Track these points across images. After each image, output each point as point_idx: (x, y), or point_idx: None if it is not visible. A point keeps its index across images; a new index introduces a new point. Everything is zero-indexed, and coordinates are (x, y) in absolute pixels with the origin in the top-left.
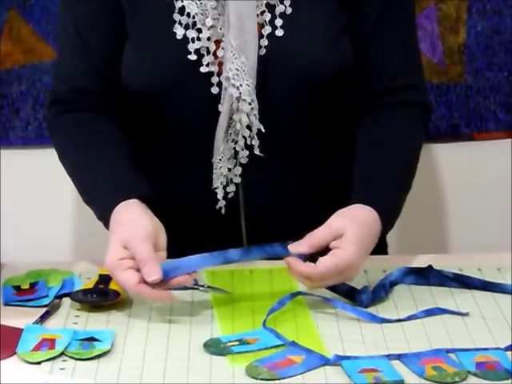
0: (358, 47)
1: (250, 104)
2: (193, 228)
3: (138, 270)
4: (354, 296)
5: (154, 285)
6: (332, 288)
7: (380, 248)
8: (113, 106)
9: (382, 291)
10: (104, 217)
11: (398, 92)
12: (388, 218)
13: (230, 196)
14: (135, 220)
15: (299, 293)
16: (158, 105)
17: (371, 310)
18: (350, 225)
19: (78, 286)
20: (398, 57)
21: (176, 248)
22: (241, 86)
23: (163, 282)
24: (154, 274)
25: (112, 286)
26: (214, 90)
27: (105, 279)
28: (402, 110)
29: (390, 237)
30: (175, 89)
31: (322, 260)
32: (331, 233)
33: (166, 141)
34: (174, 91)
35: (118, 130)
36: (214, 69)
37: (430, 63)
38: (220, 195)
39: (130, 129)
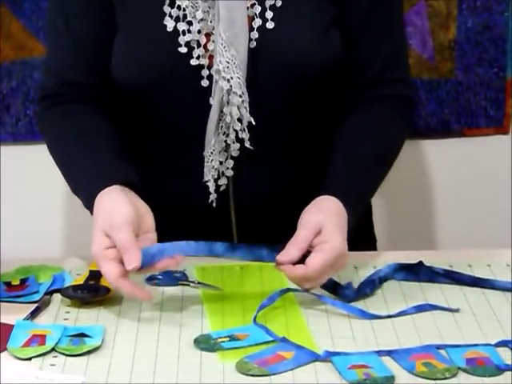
0: (347, 40)
1: (240, 97)
2: (183, 221)
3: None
4: (338, 290)
5: (139, 269)
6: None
7: (369, 243)
8: (102, 99)
9: (367, 287)
10: (89, 205)
11: (385, 85)
12: (351, 208)
13: (221, 189)
14: (114, 206)
15: (289, 289)
16: (147, 98)
17: (361, 306)
18: (326, 217)
19: (69, 282)
20: (387, 50)
21: (166, 241)
22: (231, 78)
23: (149, 267)
24: (133, 262)
25: (102, 281)
26: (205, 82)
27: (95, 275)
28: (387, 103)
29: (380, 232)
30: (165, 81)
31: (311, 258)
32: (312, 230)
33: (157, 134)
34: (163, 84)
35: (106, 122)
36: (205, 62)
37: (420, 59)
38: (211, 188)
39: (121, 122)
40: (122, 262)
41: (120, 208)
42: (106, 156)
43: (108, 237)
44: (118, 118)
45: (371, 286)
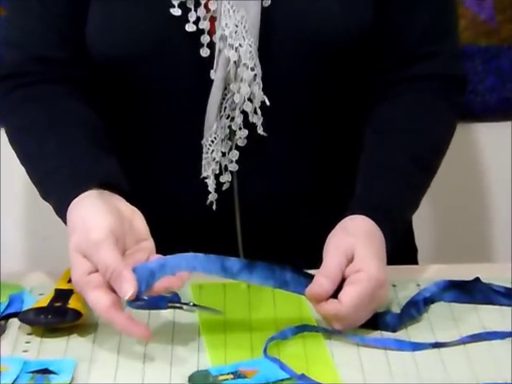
0: (379, 5)
1: (252, 70)
2: (176, 228)
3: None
4: (376, 319)
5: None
6: None
7: (408, 254)
8: (77, 79)
9: (412, 310)
10: (62, 215)
11: (424, 61)
12: (388, 226)
13: (224, 188)
14: (86, 220)
15: (307, 326)
16: (132, 75)
17: (402, 333)
18: (356, 240)
19: (29, 304)
20: (428, 14)
21: (157, 251)
22: (240, 46)
23: (148, 289)
24: (127, 288)
25: (72, 303)
26: (204, 52)
27: (62, 295)
28: (427, 85)
29: (421, 241)
30: (154, 53)
31: (344, 293)
32: (343, 257)
33: (144, 120)
34: (152, 56)
35: (82, 106)
36: (205, 26)
37: (475, 21)
38: (211, 187)
39: (100, 107)
40: (111, 287)
41: (95, 220)
42: (81, 151)
43: (87, 259)
44: (96, 102)
45: (415, 309)
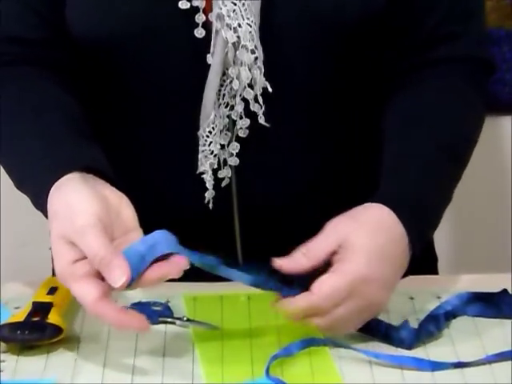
0: None
1: (252, 52)
2: (171, 227)
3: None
4: (390, 334)
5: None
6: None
7: (427, 262)
8: (58, 61)
9: (431, 325)
10: (40, 203)
11: (446, 43)
12: (417, 224)
13: (223, 184)
14: (71, 205)
15: (313, 341)
16: (118, 58)
17: (420, 351)
18: (359, 229)
19: (4, 319)
20: None
21: None
22: (239, 26)
23: (140, 278)
24: (120, 275)
25: (51, 317)
26: (199, 33)
27: (41, 308)
28: (451, 69)
29: (441, 249)
30: (142, 34)
31: (317, 281)
32: (335, 241)
33: (132, 110)
34: (139, 37)
35: (62, 89)
36: (200, 3)
37: (500, 2)
38: (209, 183)
39: (84, 94)
40: (99, 277)
41: (80, 205)
42: (61, 135)
43: (73, 245)
44: (78, 89)
45: (435, 324)
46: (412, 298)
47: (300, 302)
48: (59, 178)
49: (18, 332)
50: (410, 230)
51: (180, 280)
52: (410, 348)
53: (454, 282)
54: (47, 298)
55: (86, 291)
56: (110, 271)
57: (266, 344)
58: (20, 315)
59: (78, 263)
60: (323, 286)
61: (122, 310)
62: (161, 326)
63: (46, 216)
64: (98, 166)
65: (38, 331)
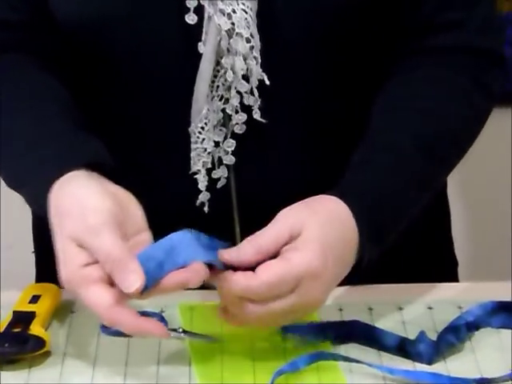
0: None
1: (248, 41)
2: (162, 234)
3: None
4: (406, 347)
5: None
6: (372, 342)
7: (446, 267)
8: (40, 46)
9: (452, 337)
10: (40, 204)
11: (444, 31)
12: (372, 224)
13: (219, 185)
14: (83, 201)
15: (322, 355)
16: (103, 44)
17: (438, 365)
18: (313, 217)
19: None
20: None
21: None
22: (234, 12)
23: (156, 286)
24: (134, 280)
25: (34, 328)
26: (191, 19)
27: (22, 319)
28: (447, 60)
29: (462, 253)
30: (129, 19)
31: (263, 266)
32: (286, 230)
33: (119, 104)
34: (126, 23)
35: (51, 76)
36: None
37: None
38: (202, 184)
39: (67, 84)
40: (112, 283)
41: (92, 202)
42: (60, 127)
43: (83, 248)
44: (61, 77)
45: (455, 336)
46: (430, 308)
47: (239, 282)
48: (63, 175)
49: None
50: (362, 230)
51: None
52: (428, 363)
53: (477, 290)
54: (29, 307)
55: (99, 296)
56: (125, 275)
57: (270, 358)
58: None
59: (89, 267)
60: (268, 272)
61: (139, 315)
62: (154, 339)
63: (45, 215)
64: (103, 160)
65: (19, 344)
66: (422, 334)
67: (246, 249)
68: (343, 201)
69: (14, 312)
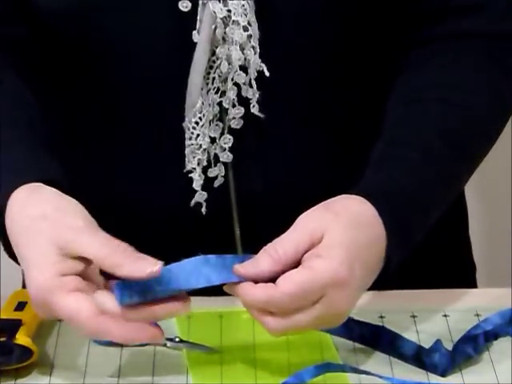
0: None
1: (245, 30)
2: (157, 239)
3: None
4: (421, 357)
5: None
6: (391, 349)
7: (464, 272)
8: (16, 41)
9: (469, 347)
10: None
11: (463, 15)
12: (400, 227)
13: (216, 184)
14: (61, 205)
15: (329, 367)
16: (89, 34)
17: (454, 377)
18: (334, 220)
19: None
20: None
21: None
22: None
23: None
24: (151, 263)
25: (20, 338)
26: (184, 6)
27: (8, 327)
28: (469, 46)
29: (480, 258)
30: (117, 6)
31: (285, 276)
32: (307, 236)
33: (107, 99)
34: (114, 10)
35: (16, 80)
36: None
37: None
38: (197, 183)
39: (45, 81)
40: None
41: (71, 205)
42: (16, 142)
43: (64, 257)
44: (38, 75)
45: (472, 346)
46: (446, 316)
47: (259, 293)
48: (15, 188)
49: None
50: (390, 232)
51: None
52: (443, 374)
53: (496, 297)
54: (15, 315)
55: (80, 304)
56: (138, 261)
57: (274, 370)
58: None
59: (68, 277)
60: (290, 282)
61: (125, 322)
62: (149, 348)
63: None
64: (56, 178)
65: (3, 354)
66: (437, 343)
67: (264, 260)
68: (368, 201)
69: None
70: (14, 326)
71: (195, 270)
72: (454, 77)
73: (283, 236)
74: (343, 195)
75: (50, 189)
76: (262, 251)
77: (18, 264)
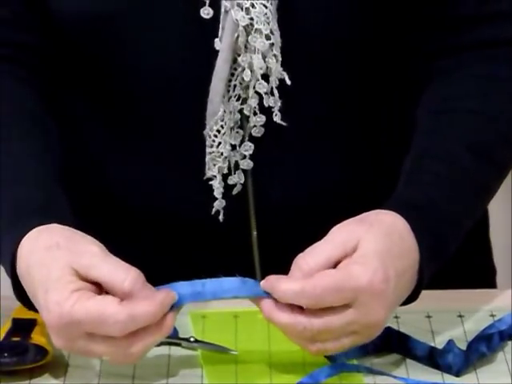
0: None
1: (267, 38)
2: (175, 245)
3: None
4: (435, 357)
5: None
6: (403, 351)
7: (483, 275)
8: (30, 48)
9: (483, 346)
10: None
11: (489, 23)
12: (431, 239)
13: (234, 192)
14: (74, 236)
15: (344, 367)
16: (108, 42)
17: (468, 377)
18: (368, 231)
19: None
20: None
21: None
22: (253, 6)
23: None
24: (169, 294)
25: (35, 337)
26: (206, 13)
27: (22, 327)
28: (497, 55)
29: (500, 259)
30: (137, 12)
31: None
32: (340, 246)
33: (125, 105)
34: (134, 17)
35: (34, 99)
36: None
37: None
38: (217, 191)
39: (64, 94)
40: None
41: (83, 236)
42: (28, 180)
43: (79, 278)
44: (57, 88)
45: (487, 345)
46: (461, 316)
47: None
48: (31, 230)
49: None
50: (423, 246)
51: None
52: (457, 374)
53: (511, 297)
54: (30, 314)
55: (104, 301)
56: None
57: (289, 370)
58: None
59: (84, 290)
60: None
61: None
62: (164, 348)
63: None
64: (64, 218)
65: (18, 353)
66: (450, 343)
67: (294, 276)
68: (400, 214)
69: (14, 319)
70: (28, 325)
71: (231, 289)
72: (483, 87)
73: (314, 247)
74: (376, 210)
75: (57, 225)
76: (293, 265)
77: (29, 308)
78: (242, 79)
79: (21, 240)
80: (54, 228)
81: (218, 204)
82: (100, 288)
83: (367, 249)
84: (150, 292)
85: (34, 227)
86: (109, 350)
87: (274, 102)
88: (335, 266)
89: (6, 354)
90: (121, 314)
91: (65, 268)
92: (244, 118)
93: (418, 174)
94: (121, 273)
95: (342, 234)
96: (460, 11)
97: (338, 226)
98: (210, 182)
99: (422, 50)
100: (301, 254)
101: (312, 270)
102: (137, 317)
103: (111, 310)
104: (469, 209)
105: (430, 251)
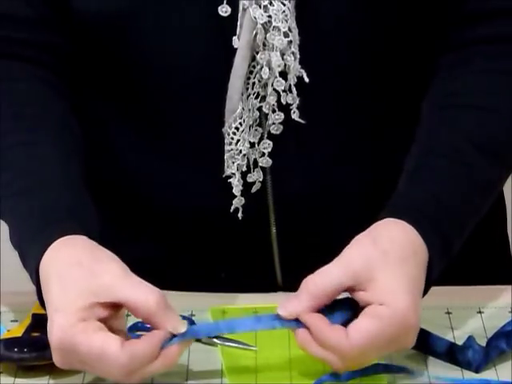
0: None
1: (286, 35)
2: (192, 244)
3: None
4: (454, 353)
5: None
6: (423, 347)
7: (501, 269)
8: (54, 49)
9: (503, 343)
10: (28, 262)
11: (500, 18)
12: (440, 243)
13: (253, 190)
14: (98, 253)
15: (365, 370)
16: (128, 40)
17: (488, 373)
18: (383, 259)
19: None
20: None
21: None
22: (271, 4)
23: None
24: (181, 324)
25: None
26: (224, 10)
27: (42, 322)
28: (506, 51)
29: None
30: (155, 11)
31: (356, 326)
32: (351, 272)
33: (143, 103)
34: (152, 15)
35: (59, 101)
36: None
37: None
38: (236, 189)
39: (87, 95)
40: None
41: (107, 256)
42: (64, 183)
43: (92, 304)
44: (78, 85)
45: (507, 342)
46: (480, 312)
47: (332, 336)
48: (55, 240)
49: (15, 350)
50: (433, 249)
51: (207, 290)
52: (477, 370)
53: None
54: None
55: (108, 339)
56: (173, 317)
57: (309, 367)
58: (17, 330)
59: (91, 321)
60: (360, 334)
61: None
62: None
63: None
64: (91, 230)
65: (38, 349)
66: (470, 340)
67: (303, 298)
68: (408, 221)
69: (33, 315)
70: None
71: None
72: (492, 82)
73: (326, 269)
74: (383, 221)
75: (82, 237)
76: (301, 288)
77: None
78: (261, 77)
79: (46, 249)
80: (79, 242)
81: (237, 202)
82: (113, 313)
83: (390, 284)
84: (171, 314)
85: (61, 236)
86: (107, 376)
87: (292, 99)
88: (345, 290)
89: (25, 350)
90: (121, 358)
91: (82, 292)
92: (263, 116)
93: (423, 171)
94: (143, 293)
95: (355, 262)
96: (477, 5)
97: (350, 247)
98: (229, 180)
99: (436, 44)
100: (311, 276)
101: (319, 294)
102: (137, 359)
103: (113, 350)
104: (475, 206)
105: (439, 255)
